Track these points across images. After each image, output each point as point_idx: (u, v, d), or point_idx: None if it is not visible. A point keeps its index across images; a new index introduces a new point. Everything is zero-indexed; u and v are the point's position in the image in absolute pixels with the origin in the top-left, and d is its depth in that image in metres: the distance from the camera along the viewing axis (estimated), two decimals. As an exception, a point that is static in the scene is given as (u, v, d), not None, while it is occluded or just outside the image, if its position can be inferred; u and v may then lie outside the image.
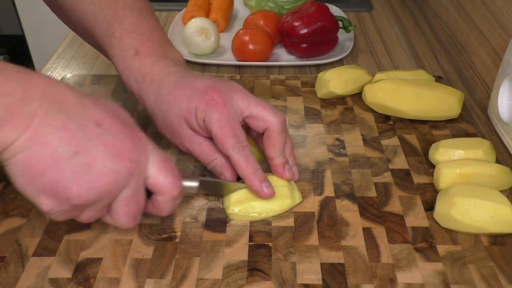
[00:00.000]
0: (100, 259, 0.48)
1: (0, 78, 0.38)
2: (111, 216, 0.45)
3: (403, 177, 0.57)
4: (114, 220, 0.45)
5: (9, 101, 0.37)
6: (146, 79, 0.55)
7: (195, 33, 0.82)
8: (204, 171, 0.58)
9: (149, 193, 0.47)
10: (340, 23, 0.84)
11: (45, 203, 0.40)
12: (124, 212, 0.44)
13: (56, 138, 0.39)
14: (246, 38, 0.79)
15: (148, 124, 0.66)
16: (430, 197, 0.55)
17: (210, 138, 0.54)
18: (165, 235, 0.50)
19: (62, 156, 0.39)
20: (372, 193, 0.55)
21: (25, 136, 0.38)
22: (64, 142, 0.39)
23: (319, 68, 0.82)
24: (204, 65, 0.82)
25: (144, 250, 0.49)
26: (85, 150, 0.40)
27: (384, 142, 0.63)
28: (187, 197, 0.55)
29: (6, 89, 0.38)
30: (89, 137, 0.40)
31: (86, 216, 0.44)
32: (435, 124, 0.66)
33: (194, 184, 0.51)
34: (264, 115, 0.53)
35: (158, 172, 0.45)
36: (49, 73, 0.80)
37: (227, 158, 0.53)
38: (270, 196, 0.52)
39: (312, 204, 0.54)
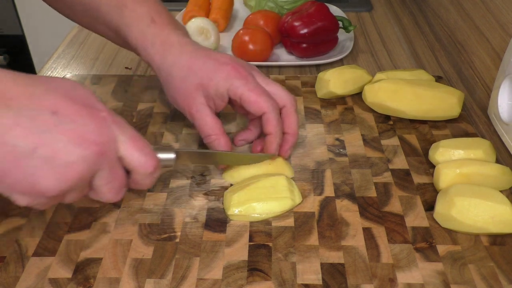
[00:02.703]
0: (100, 259, 0.48)
1: None
2: (95, 192, 0.45)
3: (403, 177, 0.57)
4: (99, 196, 0.45)
5: None
6: (165, 44, 0.58)
7: (195, 33, 0.82)
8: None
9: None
10: (340, 23, 0.84)
11: (20, 200, 0.40)
12: (107, 189, 0.44)
13: (11, 137, 0.38)
14: (246, 38, 0.79)
15: (148, 124, 0.66)
16: (430, 197, 0.55)
17: (217, 115, 0.58)
18: (165, 235, 0.50)
19: (21, 154, 0.38)
20: (372, 193, 0.55)
21: None
22: (20, 140, 0.38)
23: (319, 68, 0.82)
24: (204, 65, 0.82)
25: (144, 250, 0.49)
26: (44, 143, 0.39)
27: (384, 142, 0.63)
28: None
29: None
30: (46, 128, 0.39)
31: (69, 199, 0.43)
32: (435, 124, 0.66)
33: (171, 156, 0.50)
34: (281, 94, 0.57)
35: (130, 151, 0.44)
36: (49, 73, 0.80)
37: (228, 138, 0.57)
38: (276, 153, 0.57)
39: (312, 204, 0.54)
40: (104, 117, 0.43)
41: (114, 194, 0.45)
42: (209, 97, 0.56)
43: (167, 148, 0.52)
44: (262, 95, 0.55)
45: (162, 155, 0.50)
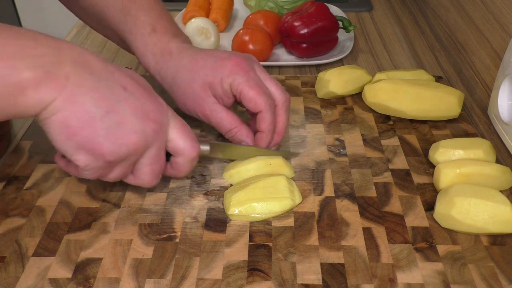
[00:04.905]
0: (100, 259, 0.48)
1: (32, 42, 0.41)
2: (135, 175, 0.49)
3: (403, 177, 0.57)
4: (137, 179, 0.49)
5: (44, 62, 0.41)
6: (164, 53, 0.59)
7: (195, 33, 0.82)
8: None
9: (167, 156, 0.51)
10: (340, 23, 0.84)
11: (82, 159, 0.44)
12: (148, 171, 0.49)
13: (89, 98, 0.42)
14: (246, 38, 0.79)
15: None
16: (430, 197, 0.55)
17: (229, 108, 0.58)
18: (165, 235, 0.50)
19: (96, 115, 0.43)
20: (372, 193, 0.55)
21: (61, 97, 0.41)
22: (96, 102, 0.42)
23: (319, 68, 0.82)
24: (204, 65, 0.82)
25: (144, 250, 0.49)
26: (115, 110, 0.44)
27: (384, 142, 0.63)
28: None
29: (39, 51, 0.41)
30: (117, 98, 0.44)
31: (114, 174, 0.47)
32: (435, 124, 0.66)
33: (206, 147, 0.55)
34: (274, 92, 0.58)
35: (179, 136, 0.49)
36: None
37: (247, 126, 0.58)
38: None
39: (312, 204, 0.54)
40: (161, 103, 0.49)
41: (153, 177, 0.49)
42: (217, 95, 0.57)
43: (203, 140, 0.55)
44: (261, 93, 0.55)
45: (200, 146, 0.53)
